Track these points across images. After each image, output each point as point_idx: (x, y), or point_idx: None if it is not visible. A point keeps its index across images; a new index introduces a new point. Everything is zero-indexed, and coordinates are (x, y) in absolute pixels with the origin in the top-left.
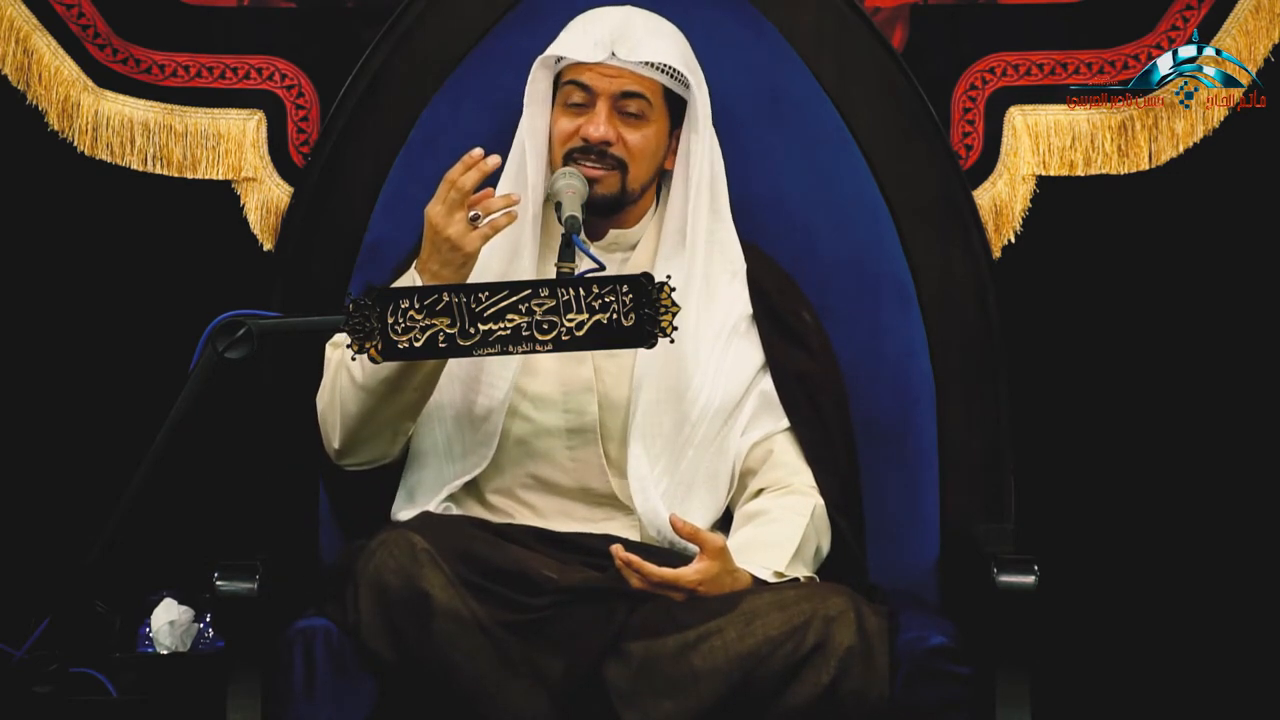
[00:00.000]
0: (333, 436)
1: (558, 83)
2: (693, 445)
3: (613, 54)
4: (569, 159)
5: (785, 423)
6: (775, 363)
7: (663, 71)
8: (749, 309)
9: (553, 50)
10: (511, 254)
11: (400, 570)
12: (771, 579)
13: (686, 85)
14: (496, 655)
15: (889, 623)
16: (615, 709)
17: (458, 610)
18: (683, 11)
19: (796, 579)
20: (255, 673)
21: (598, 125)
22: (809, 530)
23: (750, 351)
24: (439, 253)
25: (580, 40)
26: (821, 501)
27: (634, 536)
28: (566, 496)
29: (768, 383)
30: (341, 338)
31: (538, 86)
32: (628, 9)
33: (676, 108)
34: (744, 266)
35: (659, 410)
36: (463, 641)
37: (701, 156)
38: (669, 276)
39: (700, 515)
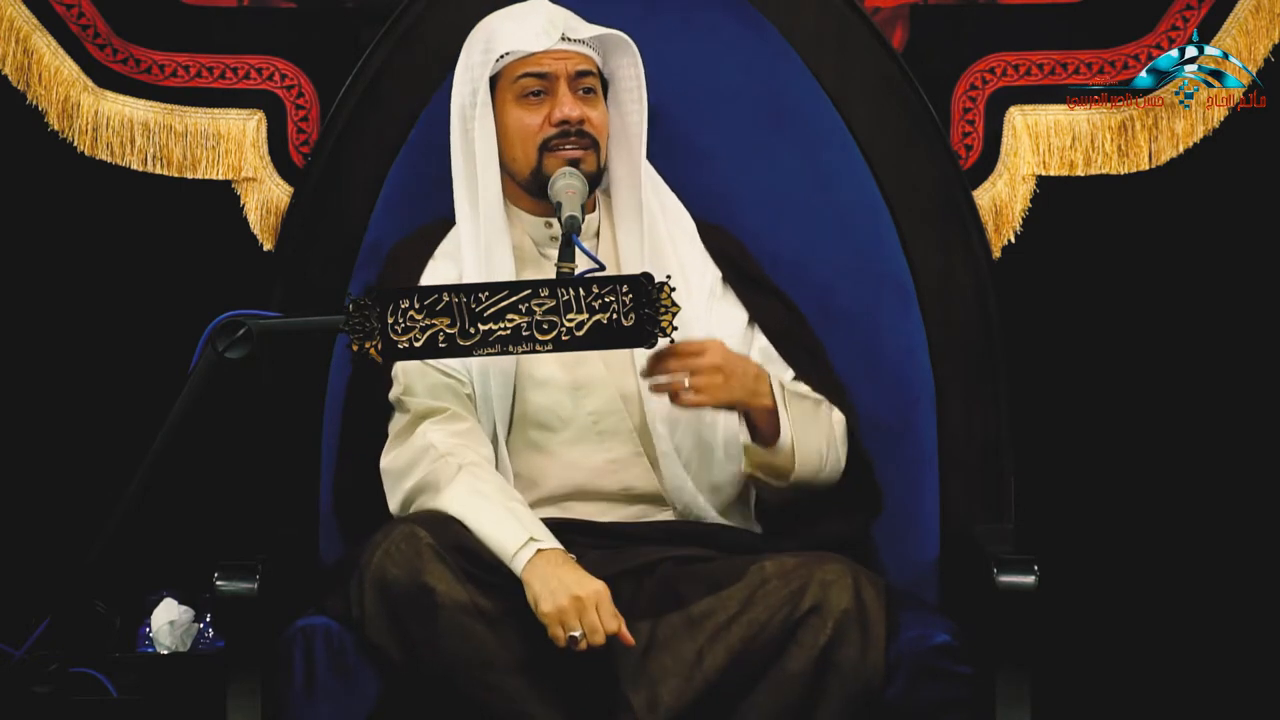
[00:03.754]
0: (402, 508)
1: (493, 84)
2: (706, 410)
3: (563, 36)
4: (545, 150)
5: (791, 372)
6: (761, 321)
7: (593, 48)
8: (719, 273)
9: (499, 49)
10: (485, 260)
11: (404, 564)
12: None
13: (605, 61)
14: (501, 649)
15: (886, 594)
16: (621, 689)
17: (462, 603)
18: (682, 10)
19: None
20: (255, 673)
21: (571, 105)
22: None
23: (733, 310)
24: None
25: (523, 33)
26: (842, 417)
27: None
28: (611, 501)
29: (763, 339)
30: (436, 434)
31: (481, 93)
32: (537, 1)
33: (604, 84)
34: (694, 227)
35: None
36: (466, 634)
37: (644, 123)
38: (669, 276)
39: (721, 484)
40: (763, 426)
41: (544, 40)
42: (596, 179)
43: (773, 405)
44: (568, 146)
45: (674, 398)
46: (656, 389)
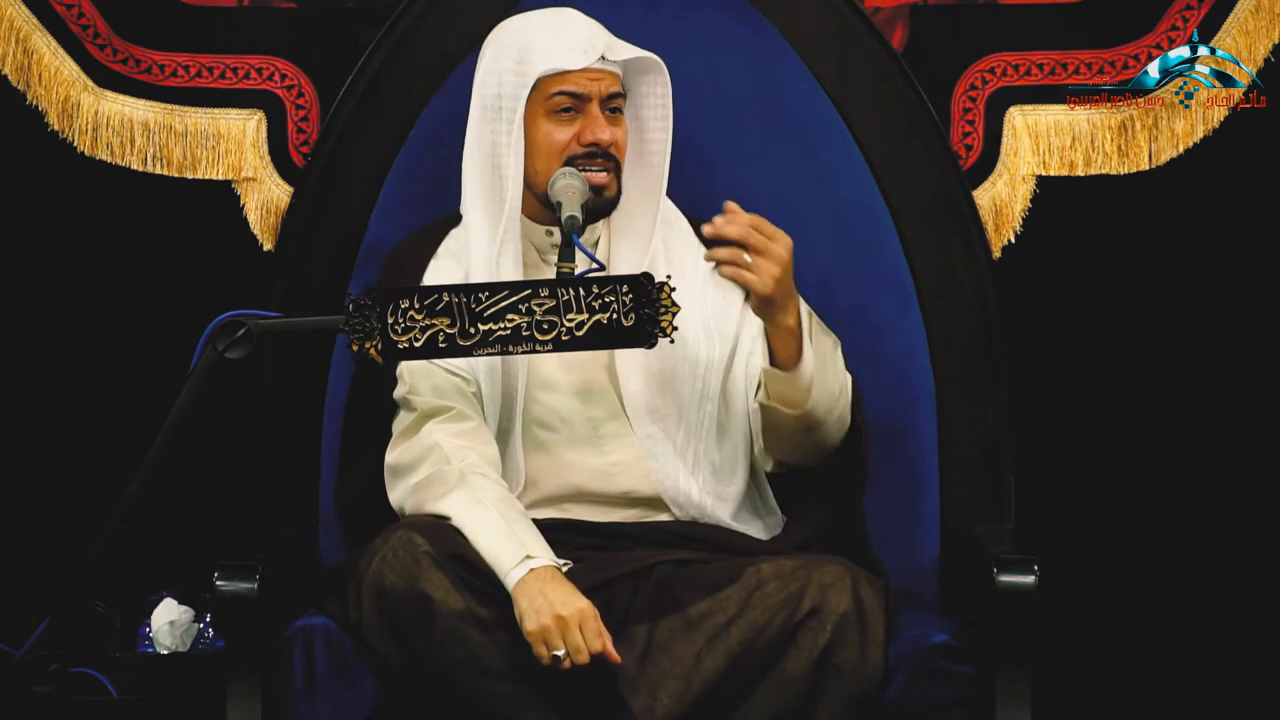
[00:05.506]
0: (404, 505)
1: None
2: (698, 404)
3: (602, 57)
4: (569, 165)
5: None
6: None
7: (620, 66)
8: (710, 265)
9: (540, 66)
10: (497, 265)
11: (402, 571)
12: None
13: (626, 77)
14: (499, 656)
15: (886, 596)
16: (619, 692)
17: (459, 610)
18: (683, 11)
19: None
20: (255, 673)
21: (603, 128)
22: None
23: (728, 293)
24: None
25: (560, 48)
26: (849, 376)
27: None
28: (609, 504)
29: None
30: (441, 433)
31: (519, 113)
32: (572, 12)
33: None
34: (689, 226)
35: (655, 389)
36: (464, 641)
37: (669, 144)
38: (669, 276)
39: (724, 477)
40: (780, 351)
41: (583, 59)
42: (614, 203)
43: (797, 327)
44: (593, 168)
45: (719, 265)
46: (716, 252)
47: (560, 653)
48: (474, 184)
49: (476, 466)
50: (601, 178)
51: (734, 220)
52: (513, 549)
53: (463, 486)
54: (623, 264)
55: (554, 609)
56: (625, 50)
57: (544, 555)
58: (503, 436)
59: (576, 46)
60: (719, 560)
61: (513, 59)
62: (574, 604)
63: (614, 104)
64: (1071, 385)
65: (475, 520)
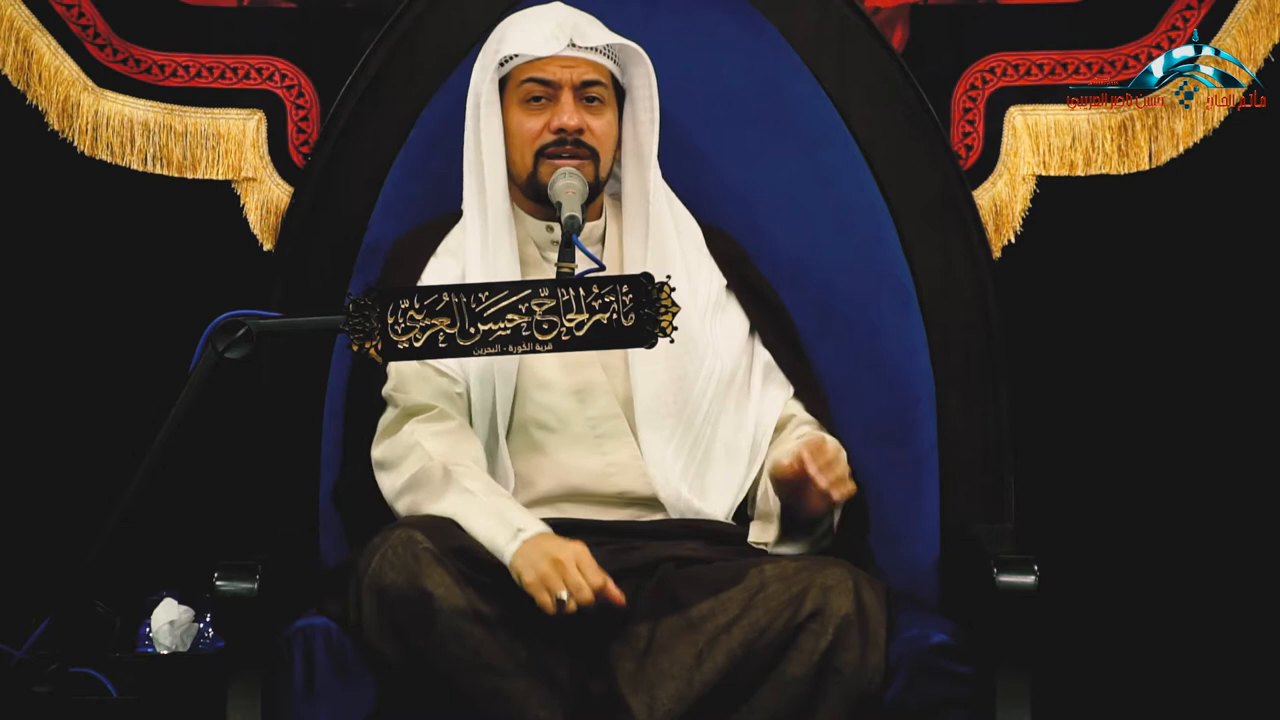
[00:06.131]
0: (396, 502)
1: (503, 85)
2: (702, 417)
3: (571, 43)
4: (540, 156)
5: (791, 389)
6: (761, 331)
7: (609, 57)
8: (724, 280)
9: (506, 50)
10: (491, 260)
11: (402, 568)
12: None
13: (624, 71)
14: (500, 654)
15: (886, 598)
16: (620, 691)
17: (460, 608)
18: (683, 12)
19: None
20: (255, 673)
21: (571, 114)
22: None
23: (737, 318)
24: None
25: (531, 37)
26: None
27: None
28: (606, 504)
29: (765, 353)
30: (421, 432)
31: (489, 91)
32: (559, 6)
33: (619, 94)
34: (700, 233)
35: (665, 392)
36: (465, 639)
37: (655, 134)
38: (669, 276)
39: (719, 491)
40: (814, 511)
41: (551, 46)
42: (592, 189)
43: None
44: (564, 155)
45: (819, 498)
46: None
47: (563, 595)
48: (469, 177)
49: (458, 460)
50: (572, 163)
51: (830, 465)
52: (503, 527)
53: (451, 485)
54: (632, 265)
55: (549, 555)
56: (597, 36)
57: (533, 527)
58: (494, 439)
59: (546, 33)
60: (721, 560)
61: (492, 50)
62: (568, 548)
63: (591, 92)
64: (1071, 385)
65: (465, 507)
